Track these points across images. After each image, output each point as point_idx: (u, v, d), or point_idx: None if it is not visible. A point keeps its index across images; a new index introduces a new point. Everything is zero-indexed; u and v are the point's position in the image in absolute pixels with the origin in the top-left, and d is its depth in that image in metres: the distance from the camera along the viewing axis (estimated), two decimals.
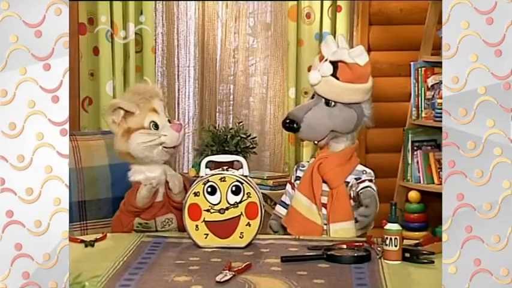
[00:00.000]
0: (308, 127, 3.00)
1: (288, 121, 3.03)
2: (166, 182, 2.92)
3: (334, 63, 3.00)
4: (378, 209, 2.92)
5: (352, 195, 2.97)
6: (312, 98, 3.07)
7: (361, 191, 2.89)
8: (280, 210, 3.16)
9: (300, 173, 3.13)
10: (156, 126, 2.91)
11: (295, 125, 3.00)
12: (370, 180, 2.99)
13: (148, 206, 2.92)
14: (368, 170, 3.04)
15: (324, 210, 3.00)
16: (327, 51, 3.02)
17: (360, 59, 2.99)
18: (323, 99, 3.02)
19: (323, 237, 2.94)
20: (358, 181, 2.98)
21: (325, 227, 3.00)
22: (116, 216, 3.02)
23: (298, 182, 3.12)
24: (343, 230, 2.96)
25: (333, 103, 3.01)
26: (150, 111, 2.92)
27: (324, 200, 3.01)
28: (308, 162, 3.16)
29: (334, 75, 3.00)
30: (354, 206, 2.97)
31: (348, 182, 3.01)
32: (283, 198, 3.19)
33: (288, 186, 3.19)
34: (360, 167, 3.04)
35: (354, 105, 3.03)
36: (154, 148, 2.90)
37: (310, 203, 3.01)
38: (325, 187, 3.02)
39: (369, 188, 2.91)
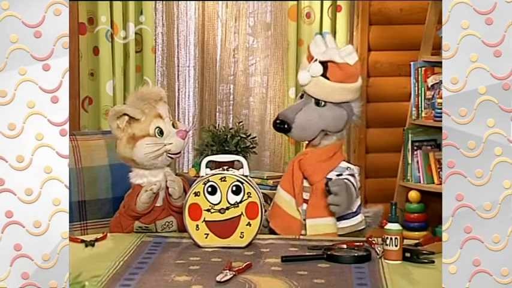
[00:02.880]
0: (299, 127, 3.00)
1: (278, 121, 3.03)
2: (166, 188, 2.92)
3: (324, 63, 3.00)
4: (355, 199, 2.93)
5: None
6: (301, 97, 3.07)
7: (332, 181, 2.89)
8: None
9: None
10: (161, 132, 2.90)
11: (286, 126, 3.01)
12: (351, 175, 2.98)
13: (148, 211, 2.91)
14: (352, 167, 3.03)
15: (304, 206, 3.00)
16: (316, 51, 3.02)
17: (349, 59, 2.99)
18: (313, 99, 3.02)
19: (323, 237, 2.93)
20: (339, 177, 2.98)
21: (304, 222, 3.00)
22: (115, 218, 3.01)
23: None
24: (320, 225, 2.95)
25: (323, 103, 3.01)
26: (155, 117, 2.90)
27: (306, 196, 3.01)
28: None
29: (324, 75, 3.00)
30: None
31: (330, 179, 3.01)
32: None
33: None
34: (344, 164, 3.04)
35: (344, 104, 3.03)
36: (159, 156, 2.89)
37: (290, 198, 3.02)
38: (307, 183, 3.02)
39: (341, 178, 2.91)
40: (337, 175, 2.99)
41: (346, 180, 2.91)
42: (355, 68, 3.01)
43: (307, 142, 3.10)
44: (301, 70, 3.05)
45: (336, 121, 3.02)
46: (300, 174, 3.02)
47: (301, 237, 2.91)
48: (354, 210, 3.00)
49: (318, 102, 3.02)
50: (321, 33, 4.56)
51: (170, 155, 2.91)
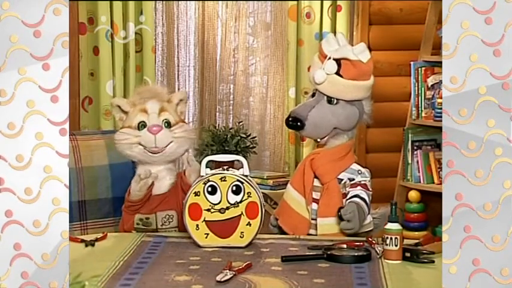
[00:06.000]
0: (312, 125, 3.00)
1: (291, 119, 3.03)
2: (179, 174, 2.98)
3: (337, 61, 3.00)
4: (366, 216, 2.93)
5: (344, 193, 2.98)
6: (313, 96, 3.07)
7: (346, 203, 2.90)
8: None
9: None
10: (144, 127, 2.93)
11: (299, 123, 3.00)
12: (364, 185, 2.98)
13: (141, 200, 2.92)
14: (363, 170, 3.03)
15: (314, 206, 3.00)
16: (329, 49, 3.02)
17: (362, 56, 3.00)
18: (325, 97, 3.02)
19: (323, 237, 2.93)
20: (352, 182, 2.98)
21: (313, 221, 2.99)
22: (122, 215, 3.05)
23: None
24: (331, 225, 2.95)
25: (335, 100, 3.01)
26: (140, 112, 2.95)
27: (317, 195, 3.01)
28: None
29: (337, 73, 3.00)
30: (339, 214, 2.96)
31: (342, 179, 3.00)
32: None
33: None
34: (355, 166, 3.03)
35: (356, 102, 3.03)
36: (132, 147, 2.92)
37: (300, 196, 3.02)
38: (317, 182, 3.02)
39: (353, 201, 2.91)
40: (350, 179, 2.99)
41: (358, 200, 2.91)
42: (368, 65, 3.01)
43: (318, 141, 3.08)
44: (314, 68, 3.05)
45: (348, 119, 3.02)
46: (311, 173, 3.02)
47: (302, 236, 2.91)
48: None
49: (330, 100, 3.02)
50: (321, 33, 4.62)
51: (146, 149, 2.92)
